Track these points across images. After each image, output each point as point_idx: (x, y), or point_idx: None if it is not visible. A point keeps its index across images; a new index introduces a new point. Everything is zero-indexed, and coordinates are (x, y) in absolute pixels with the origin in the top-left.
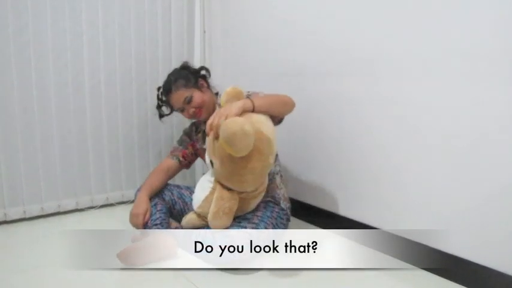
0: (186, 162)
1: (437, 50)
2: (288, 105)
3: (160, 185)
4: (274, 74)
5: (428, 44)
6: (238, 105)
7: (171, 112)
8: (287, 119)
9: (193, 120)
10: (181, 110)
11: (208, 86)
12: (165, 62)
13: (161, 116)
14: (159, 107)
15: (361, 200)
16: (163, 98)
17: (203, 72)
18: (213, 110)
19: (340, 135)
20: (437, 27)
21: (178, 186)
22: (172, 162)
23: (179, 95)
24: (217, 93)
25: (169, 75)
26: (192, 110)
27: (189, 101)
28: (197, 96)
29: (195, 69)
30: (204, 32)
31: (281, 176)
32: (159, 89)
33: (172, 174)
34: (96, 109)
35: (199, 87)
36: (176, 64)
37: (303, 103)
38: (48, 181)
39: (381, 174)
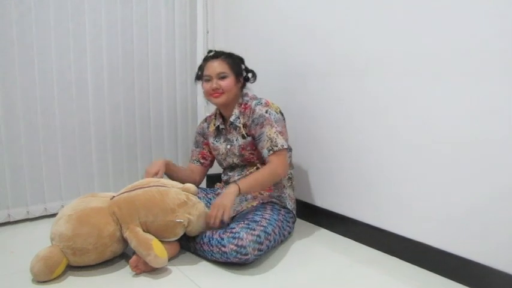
0: (208, 162)
1: (437, 51)
2: (276, 177)
3: (180, 172)
4: (276, 74)
5: (428, 44)
6: (230, 198)
7: (198, 78)
8: (289, 119)
9: (205, 118)
10: (207, 80)
11: (242, 87)
12: (168, 63)
13: (197, 77)
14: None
15: (362, 200)
16: (203, 62)
17: (250, 74)
18: (232, 102)
19: (342, 136)
20: (439, 28)
21: None
22: (194, 166)
23: (220, 64)
24: (243, 96)
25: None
26: (216, 86)
27: (222, 77)
28: (230, 81)
29: (247, 67)
30: (207, 32)
31: (289, 177)
32: (209, 52)
33: (199, 177)
34: (99, 110)
35: (237, 78)
36: (179, 65)
37: (304, 103)
38: (52, 182)
39: (382, 174)
